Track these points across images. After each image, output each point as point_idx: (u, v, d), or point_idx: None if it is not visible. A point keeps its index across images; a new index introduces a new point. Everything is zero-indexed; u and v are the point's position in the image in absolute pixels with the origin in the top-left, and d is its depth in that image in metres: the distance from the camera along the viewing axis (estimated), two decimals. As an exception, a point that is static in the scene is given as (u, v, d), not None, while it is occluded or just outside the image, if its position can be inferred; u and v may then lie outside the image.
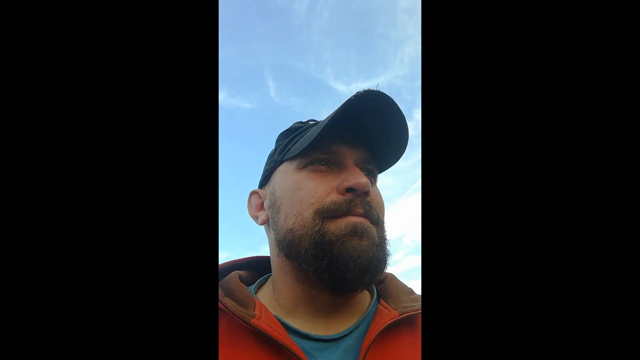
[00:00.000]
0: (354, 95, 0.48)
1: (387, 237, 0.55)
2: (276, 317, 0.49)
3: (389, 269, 0.62)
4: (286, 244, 0.52)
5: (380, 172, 0.60)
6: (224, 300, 0.48)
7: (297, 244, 0.50)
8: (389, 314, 0.51)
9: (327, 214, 0.49)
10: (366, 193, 0.50)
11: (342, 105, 0.49)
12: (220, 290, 0.50)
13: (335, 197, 0.49)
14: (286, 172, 0.55)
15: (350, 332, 0.50)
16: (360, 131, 0.54)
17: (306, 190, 0.51)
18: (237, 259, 0.61)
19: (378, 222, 0.51)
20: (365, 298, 0.57)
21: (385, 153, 0.57)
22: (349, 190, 0.49)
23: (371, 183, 0.54)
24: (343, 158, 0.53)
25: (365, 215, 0.49)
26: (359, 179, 0.49)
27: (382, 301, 0.56)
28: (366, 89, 0.48)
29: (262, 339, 0.45)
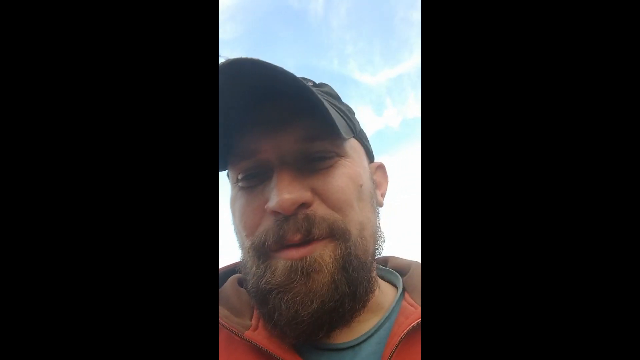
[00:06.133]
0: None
1: (377, 233, 0.44)
2: (277, 324, 0.39)
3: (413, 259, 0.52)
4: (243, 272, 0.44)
5: (351, 135, 0.43)
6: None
7: (246, 278, 0.43)
8: (415, 312, 0.42)
9: (262, 249, 0.39)
10: (304, 205, 0.38)
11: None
12: None
13: (267, 223, 0.39)
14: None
15: (370, 336, 0.42)
16: (263, 109, 0.40)
17: (238, 216, 0.42)
18: (238, 260, 0.51)
19: (334, 233, 0.39)
20: (388, 293, 0.48)
21: (311, 110, 0.38)
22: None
23: (331, 166, 0.40)
24: (267, 157, 0.40)
25: (304, 240, 0.38)
26: (280, 196, 0.37)
27: (406, 296, 0.46)
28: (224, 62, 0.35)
29: (261, 352, 0.39)
